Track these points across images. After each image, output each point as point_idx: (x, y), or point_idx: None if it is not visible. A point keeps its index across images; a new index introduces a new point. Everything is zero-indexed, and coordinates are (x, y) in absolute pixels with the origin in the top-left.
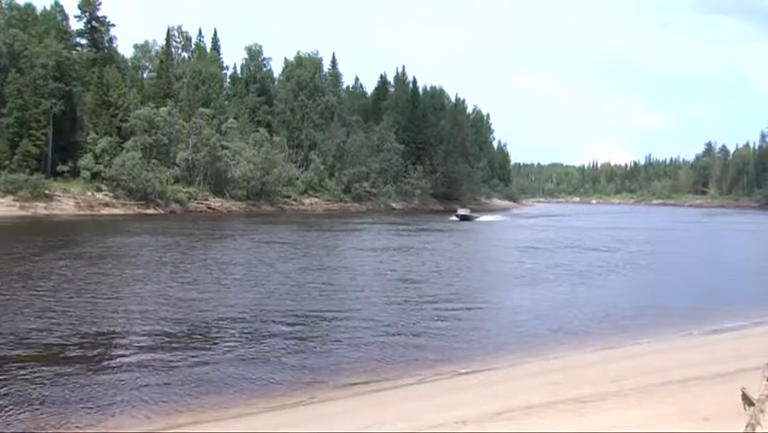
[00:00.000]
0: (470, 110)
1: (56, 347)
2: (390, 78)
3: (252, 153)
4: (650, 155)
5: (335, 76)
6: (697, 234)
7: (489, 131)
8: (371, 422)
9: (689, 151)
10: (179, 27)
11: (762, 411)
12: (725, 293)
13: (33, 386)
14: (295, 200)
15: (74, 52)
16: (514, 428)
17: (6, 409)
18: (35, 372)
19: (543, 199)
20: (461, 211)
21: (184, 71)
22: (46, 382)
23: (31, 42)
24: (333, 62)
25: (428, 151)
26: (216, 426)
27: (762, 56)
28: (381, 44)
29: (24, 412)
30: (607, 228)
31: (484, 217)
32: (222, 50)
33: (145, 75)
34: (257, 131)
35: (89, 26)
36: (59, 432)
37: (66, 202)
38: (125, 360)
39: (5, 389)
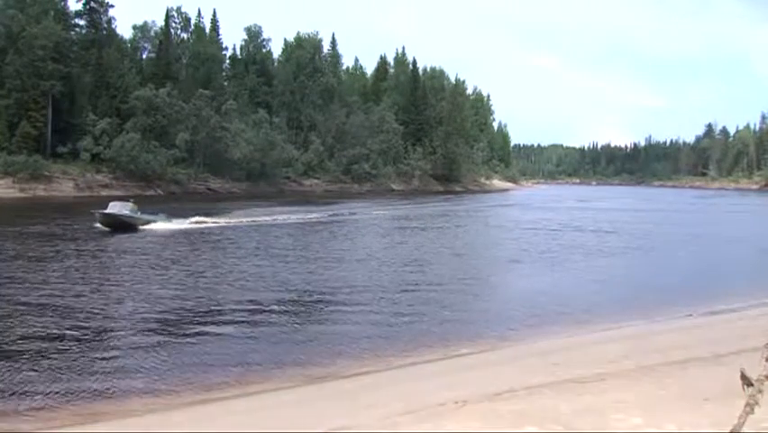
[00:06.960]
0: (470, 91)
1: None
2: (390, 60)
3: (252, 134)
4: (650, 136)
5: (335, 57)
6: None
7: (490, 112)
8: (368, 403)
9: (689, 132)
10: (178, 8)
11: (760, 392)
12: (725, 274)
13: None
14: (294, 181)
15: (72, 33)
16: (513, 408)
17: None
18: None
19: (543, 181)
20: (114, 208)
21: (183, 52)
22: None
23: (29, 23)
24: (333, 43)
25: (428, 132)
26: (215, 405)
27: (761, 37)
28: (381, 25)
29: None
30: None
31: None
32: (221, 31)
33: (144, 56)
34: (256, 112)
35: (88, 7)
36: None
37: (65, 184)
38: (124, 339)
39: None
